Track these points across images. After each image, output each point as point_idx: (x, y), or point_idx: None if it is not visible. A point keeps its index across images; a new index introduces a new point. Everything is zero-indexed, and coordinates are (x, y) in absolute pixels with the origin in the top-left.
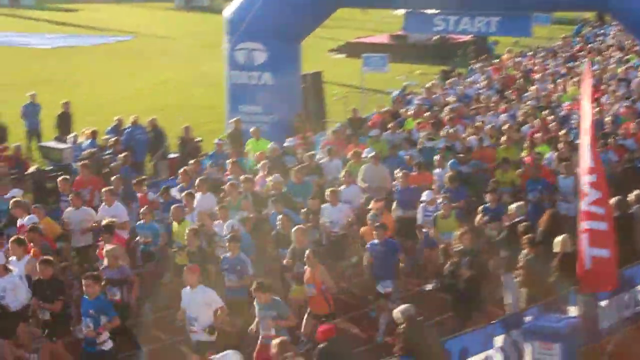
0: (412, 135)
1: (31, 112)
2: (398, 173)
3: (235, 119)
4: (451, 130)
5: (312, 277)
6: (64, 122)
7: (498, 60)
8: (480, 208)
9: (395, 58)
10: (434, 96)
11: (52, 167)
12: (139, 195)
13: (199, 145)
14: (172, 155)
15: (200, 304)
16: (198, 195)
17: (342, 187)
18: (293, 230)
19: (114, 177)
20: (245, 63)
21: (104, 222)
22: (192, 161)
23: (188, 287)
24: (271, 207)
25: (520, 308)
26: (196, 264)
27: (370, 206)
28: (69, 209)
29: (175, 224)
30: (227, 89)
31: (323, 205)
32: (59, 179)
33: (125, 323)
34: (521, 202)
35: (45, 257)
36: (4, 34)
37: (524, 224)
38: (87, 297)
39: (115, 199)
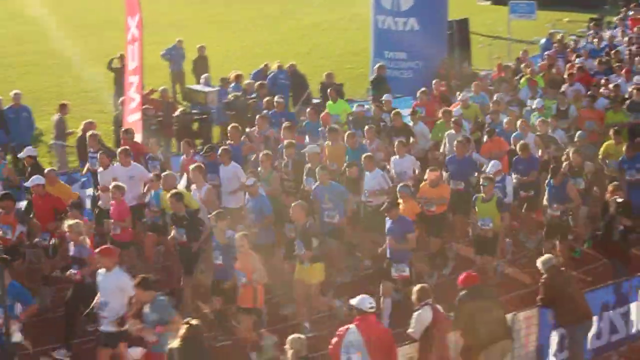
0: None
1: (175, 55)
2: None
3: (379, 64)
4: (571, 90)
5: (243, 264)
6: (200, 66)
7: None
8: (545, 184)
9: (543, 5)
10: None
11: (196, 110)
12: (184, 157)
13: (340, 89)
14: (315, 101)
15: (113, 289)
16: (221, 166)
17: (395, 157)
18: (292, 205)
19: (152, 140)
20: (392, 8)
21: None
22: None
23: (103, 270)
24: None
25: None
26: (111, 248)
27: (425, 176)
28: (99, 169)
29: (164, 193)
30: (373, 34)
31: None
32: (88, 134)
33: (85, 305)
34: None
35: None
36: None
37: None
38: None
39: (131, 159)
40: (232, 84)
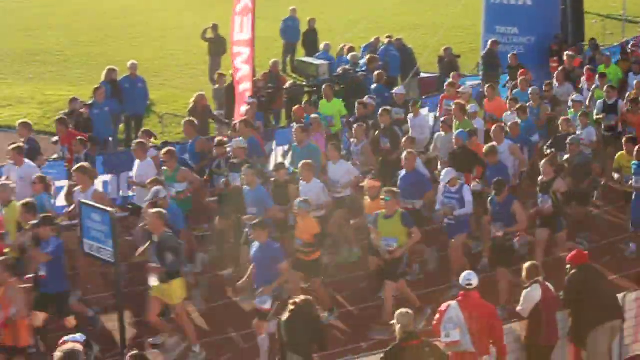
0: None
1: (291, 27)
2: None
3: (492, 39)
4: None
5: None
6: (310, 39)
7: None
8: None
9: None
10: None
11: (307, 83)
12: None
13: (457, 64)
14: (424, 75)
15: None
16: (136, 162)
17: (329, 162)
18: (148, 213)
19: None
20: None
21: None
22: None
23: None
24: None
25: None
26: None
27: (363, 183)
28: (9, 163)
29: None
30: (484, 9)
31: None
32: (18, 121)
33: None
34: None
35: None
36: None
37: None
38: None
39: (23, 157)
40: (342, 57)
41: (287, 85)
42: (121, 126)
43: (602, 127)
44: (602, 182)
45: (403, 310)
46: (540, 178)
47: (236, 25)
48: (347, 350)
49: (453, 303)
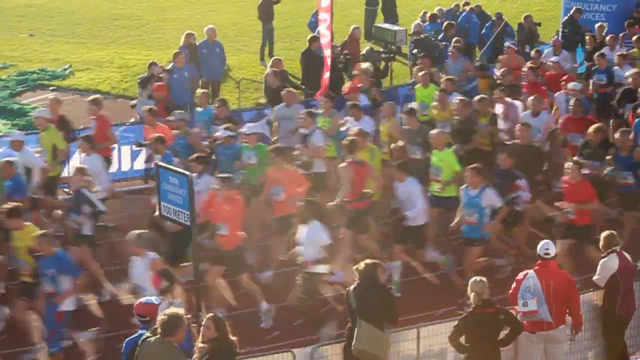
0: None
1: None
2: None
3: (575, 7)
4: None
5: None
6: (388, 4)
7: None
8: None
9: None
10: None
11: (383, 49)
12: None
13: (536, 32)
14: (507, 43)
15: None
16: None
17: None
18: None
19: None
20: None
21: None
22: None
23: None
24: None
25: None
26: None
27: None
28: None
29: None
30: None
31: None
32: None
33: None
34: None
35: None
36: None
37: None
38: None
39: None
40: (426, 24)
41: (363, 51)
42: (198, 91)
43: None
44: None
45: (477, 277)
46: None
47: None
48: (419, 318)
49: (530, 272)
